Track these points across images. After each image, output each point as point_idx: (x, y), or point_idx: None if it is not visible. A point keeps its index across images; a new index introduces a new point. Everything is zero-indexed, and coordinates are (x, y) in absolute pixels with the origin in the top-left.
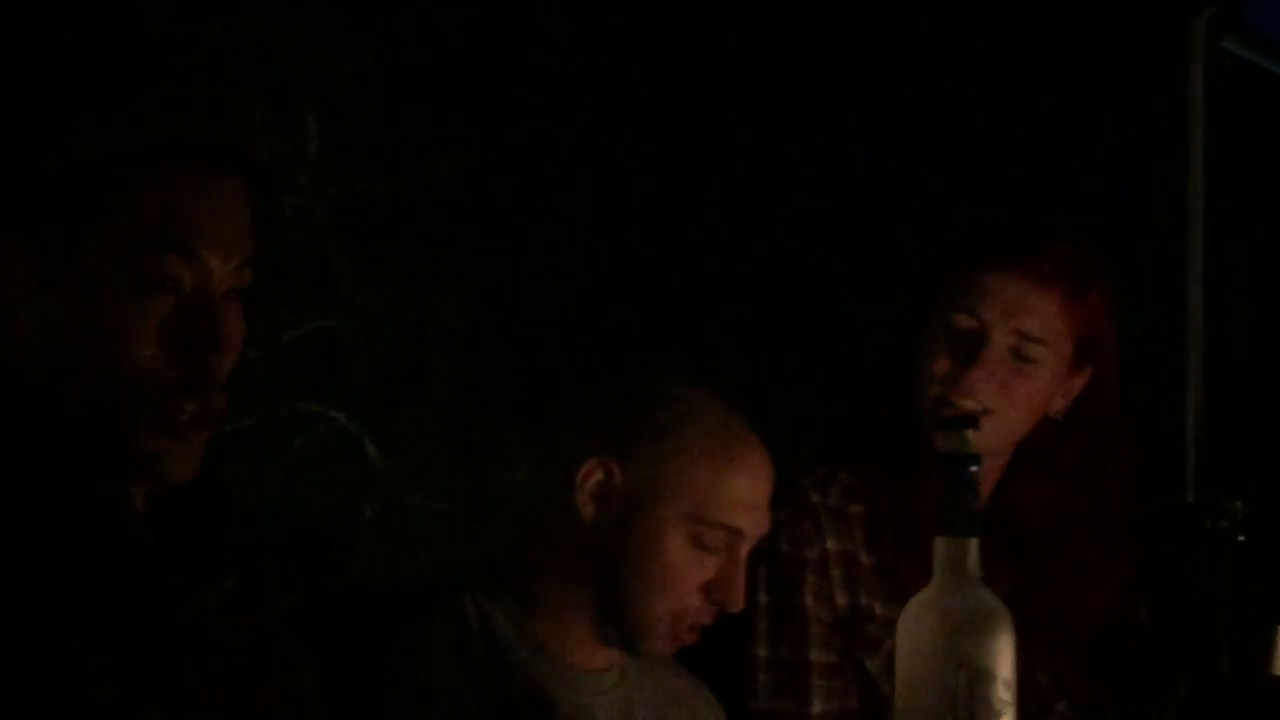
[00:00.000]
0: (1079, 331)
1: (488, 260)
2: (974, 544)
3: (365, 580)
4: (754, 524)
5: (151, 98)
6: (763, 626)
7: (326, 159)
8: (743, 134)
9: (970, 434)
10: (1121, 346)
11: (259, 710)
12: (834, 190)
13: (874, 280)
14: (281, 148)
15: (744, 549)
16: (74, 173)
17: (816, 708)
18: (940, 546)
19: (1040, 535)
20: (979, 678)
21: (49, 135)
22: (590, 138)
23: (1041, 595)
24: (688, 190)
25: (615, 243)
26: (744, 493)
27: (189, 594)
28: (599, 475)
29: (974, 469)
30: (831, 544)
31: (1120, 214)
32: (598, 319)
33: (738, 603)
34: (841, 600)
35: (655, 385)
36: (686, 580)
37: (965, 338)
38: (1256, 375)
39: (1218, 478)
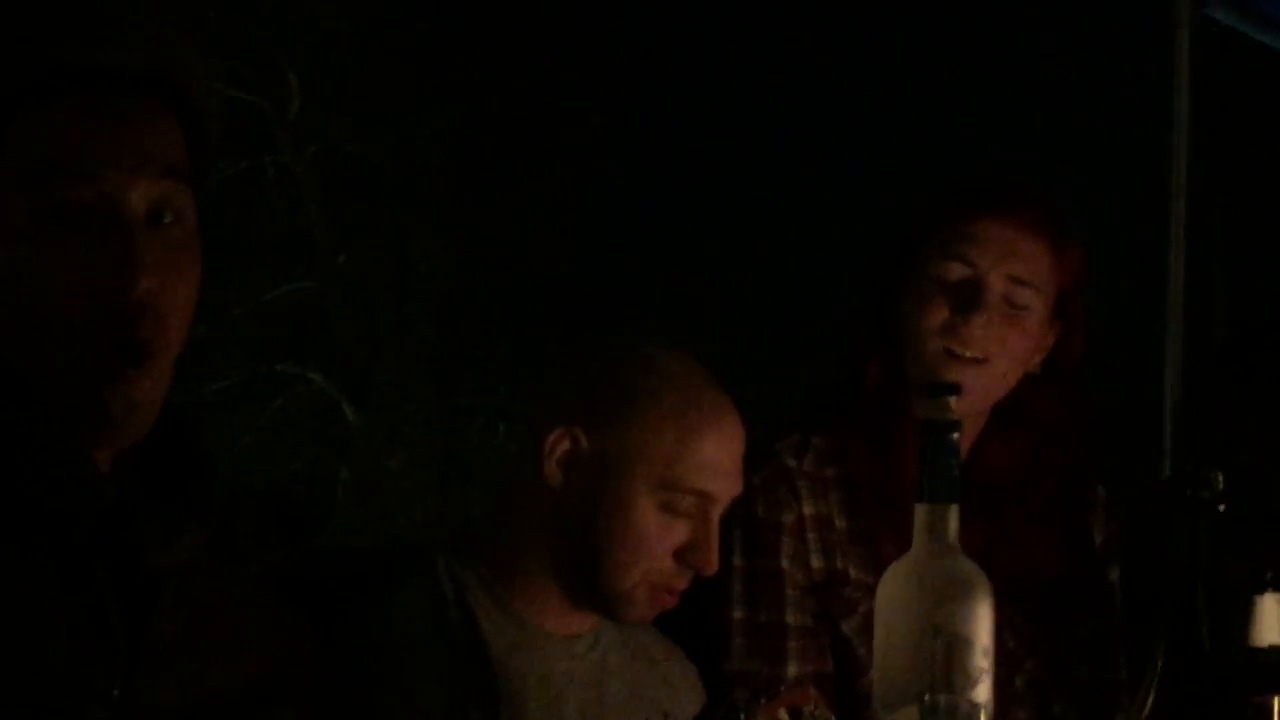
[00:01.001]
0: (1061, 282)
1: (469, 224)
2: (954, 510)
3: (341, 542)
4: (725, 487)
5: (42, 26)
6: (738, 590)
7: (308, 118)
8: (728, 104)
9: (954, 401)
10: (1103, 319)
11: (240, 669)
12: (815, 162)
13: (852, 248)
14: (194, 69)
15: (716, 512)
16: None
17: (792, 669)
18: (920, 513)
19: (1012, 492)
20: (957, 645)
21: None
22: (574, 103)
23: (1012, 553)
24: (671, 158)
25: (598, 208)
26: (714, 457)
27: (151, 547)
28: (566, 444)
29: (954, 435)
30: (807, 508)
31: (1104, 185)
32: (579, 283)
33: (711, 566)
34: (817, 564)
35: (622, 350)
36: (658, 546)
37: (960, 287)
38: (1237, 348)
39: (1197, 449)
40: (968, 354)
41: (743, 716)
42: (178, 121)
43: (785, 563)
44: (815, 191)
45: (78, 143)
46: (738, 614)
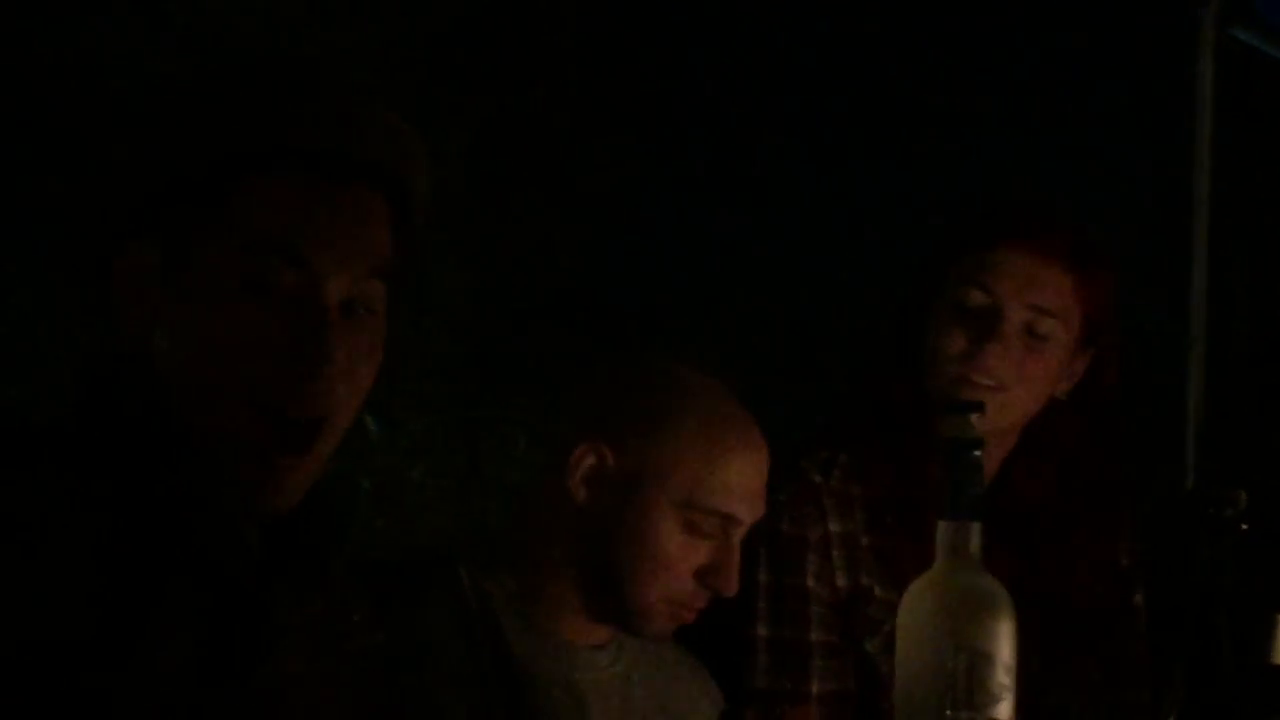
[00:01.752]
0: (1087, 310)
1: (490, 237)
2: (976, 528)
3: (362, 553)
4: (749, 510)
5: (272, 104)
6: (763, 607)
7: None
8: (749, 117)
9: (975, 418)
10: (1124, 334)
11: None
12: (838, 176)
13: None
14: (418, 168)
15: (738, 535)
16: (195, 175)
17: (816, 688)
18: (942, 530)
19: (1040, 518)
20: (978, 662)
21: (177, 136)
22: (596, 117)
23: (1039, 579)
24: (692, 172)
25: (618, 222)
26: (738, 479)
27: (281, 606)
28: (591, 460)
29: (977, 453)
30: (833, 525)
31: (1126, 201)
32: (599, 296)
33: (731, 588)
34: (842, 582)
35: (650, 369)
36: (680, 566)
37: (979, 314)
38: (1259, 365)
39: (1219, 466)
40: (984, 382)
41: None
42: (389, 212)
43: (811, 580)
44: (841, 208)
45: (295, 224)
46: (762, 631)
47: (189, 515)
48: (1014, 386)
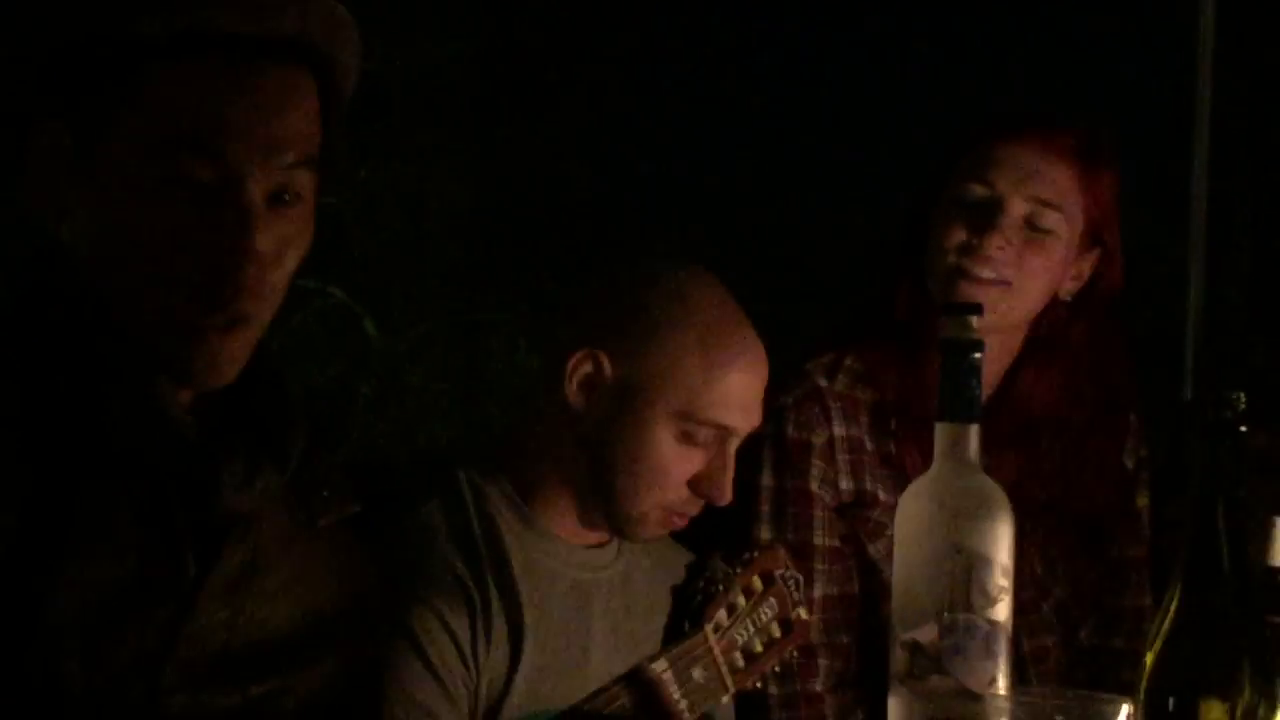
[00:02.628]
0: (1090, 207)
1: (491, 140)
2: (974, 430)
3: (362, 456)
4: (745, 421)
5: None
6: (766, 510)
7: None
8: (753, 20)
9: (975, 320)
10: (1124, 241)
11: (293, 608)
12: (841, 81)
13: (882, 170)
14: (349, 43)
15: (733, 445)
16: (109, 57)
17: (818, 591)
18: (940, 432)
19: (1045, 422)
20: (976, 563)
21: (96, 13)
22: (598, 20)
23: (1044, 483)
24: (696, 77)
25: (619, 125)
26: (736, 390)
27: (227, 489)
28: (588, 367)
29: (976, 355)
30: (838, 429)
31: (1127, 112)
32: (599, 199)
33: (725, 497)
34: (846, 485)
35: (650, 276)
36: (674, 474)
37: (980, 207)
38: (1258, 272)
39: (1217, 370)
40: (983, 274)
41: (720, 587)
42: (315, 90)
43: (814, 484)
44: (844, 115)
45: (210, 117)
46: (765, 534)
47: (114, 400)
48: (1016, 281)
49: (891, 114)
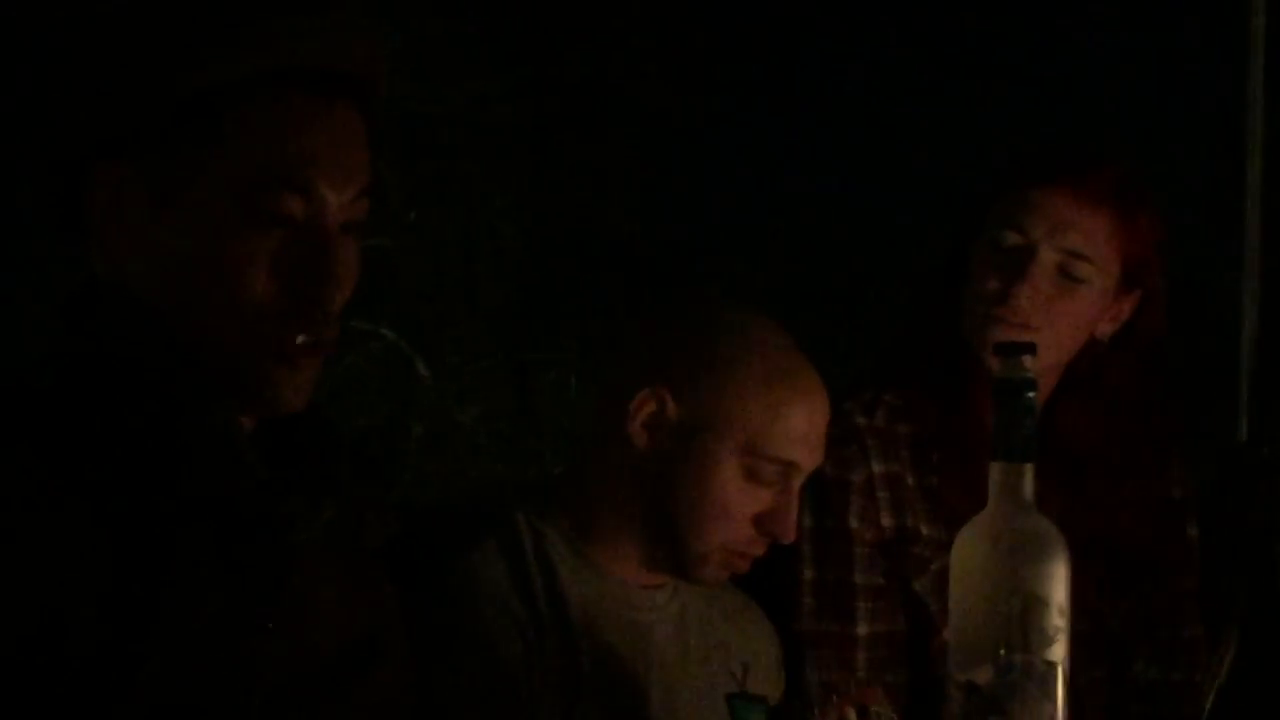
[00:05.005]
0: (1127, 253)
1: (541, 179)
2: (1029, 469)
3: (414, 496)
4: (810, 458)
5: (271, 24)
6: (808, 549)
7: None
8: (803, 60)
9: (1027, 359)
10: (1176, 275)
11: (348, 628)
12: (891, 118)
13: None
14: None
15: (798, 481)
16: (191, 99)
17: (863, 629)
18: (995, 472)
19: (1087, 459)
20: (1033, 604)
21: (168, 60)
22: (648, 58)
23: (1090, 518)
24: (747, 115)
25: (669, 165)
26: (800, 427)
27: (295, 520)
28: (652, 406)
29: (1030, 394)
30: (877, 466)
31: (1179, 143)
32: (649, 240)
33: (790, 534)
34: (887, 522)
35: (712, 314)
36: (739, 512)
37: (1013, 255)
38: None
39: (1272, 406)
40: (1014, 322)
41: (816, 711)
42: (366, 125)
43: (854, 522)
44: (894, 151)
45: (298, 152)
46: (807, 573)
47: (194, 443)
48: (1045, 329)
49: (938, 148)
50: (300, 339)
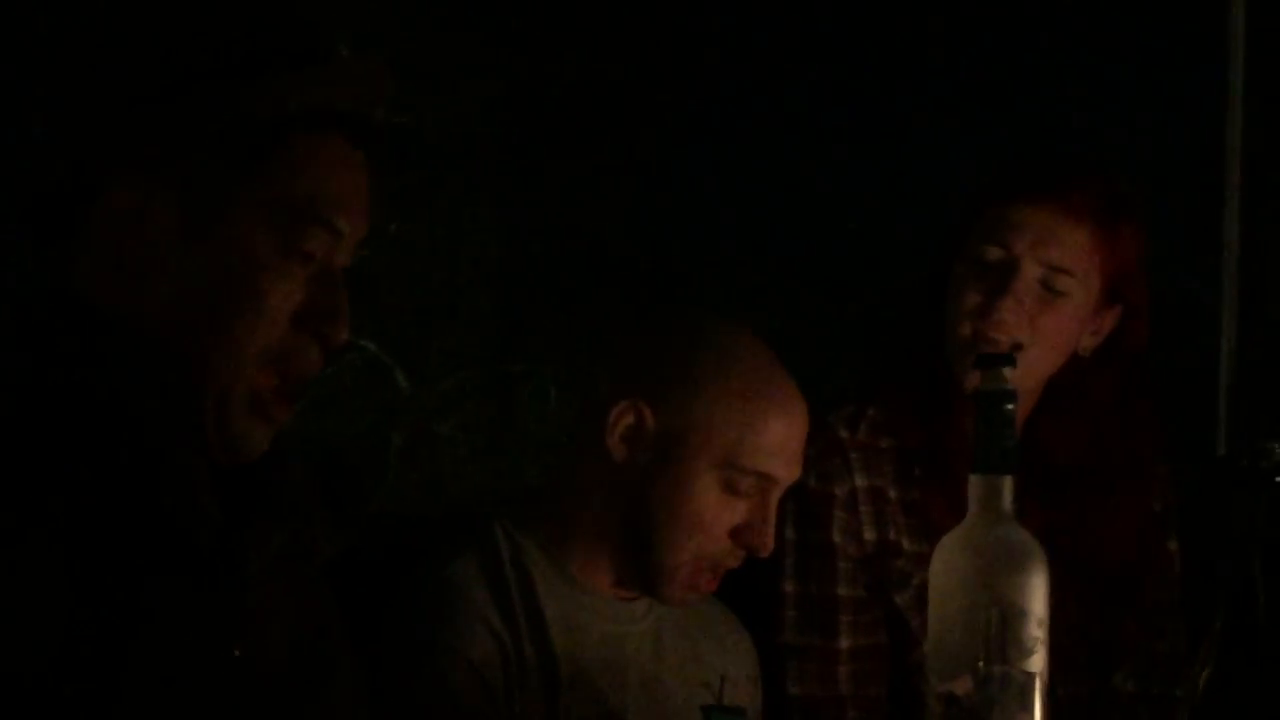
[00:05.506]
0: (1109, 267)
1: (522, 190)
2: (1009, 482)
3: (394, 507)
4: (787, 471)
5: (315, 67)
6: (790, 562)
7: None
8: (786, 72)
9: (1008, 371)
10: (1154, 287)
11: (301, 638)
12: (873, 128)
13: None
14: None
15: (775, 495)
16: (235, 134)
17: (845, 643)
18: (974, 484)
19: (1069, 472)
20: (1011, 615)
21: (217, 93)
22: (629, 68)
23: (1071, 532)
24: (729, 125)
25: (649, 174)
26: (779, 439)
27: (248, 553)
28: (630, 418)
29: (1010, 406)
30: (860, 480)
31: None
32: (630, 249)
33: (767, 547)
34: (869, 536)
35: (690, 326)
36: (716, 524)
37: (995, 269)
38: None
39: (1251, 419)
40: (998, 337)
41: None
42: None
43: (837, 536)
44: (872, 161)
45: (332, 196)
46: (789, 587)
47: (159, 482)
48: (1028, 344)
49: (920, 168)
50: (291, 387)
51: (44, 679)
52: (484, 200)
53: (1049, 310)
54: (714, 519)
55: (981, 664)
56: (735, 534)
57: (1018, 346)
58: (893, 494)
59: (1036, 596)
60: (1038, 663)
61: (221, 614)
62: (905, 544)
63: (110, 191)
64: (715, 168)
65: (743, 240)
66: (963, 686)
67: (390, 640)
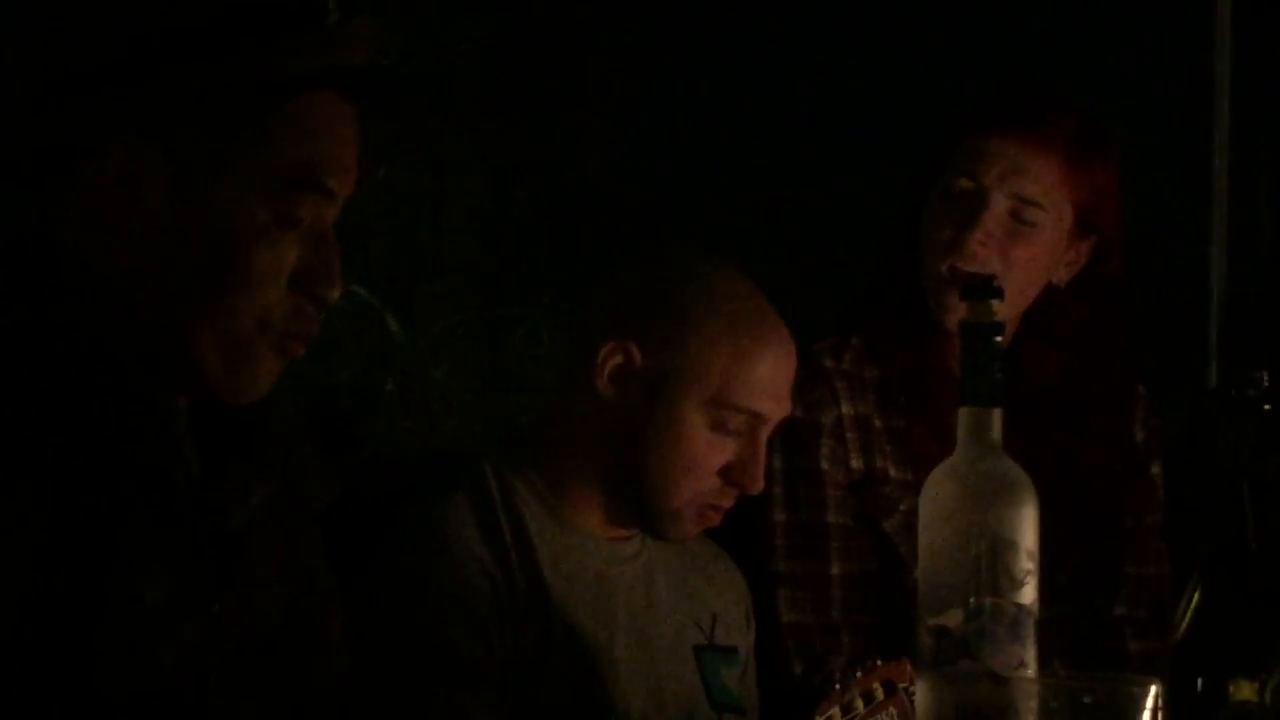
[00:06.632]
0: (1080, 198)
1: (510, 134)
2: (997, 414)
3: (387, 454)
4: (776, 408)
5: (307, 29)
6: (779, 491)
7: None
8: (771, 14)
9: (994, 303)
10: (1146, 222)
11: (288, 586)
12: (854, 66)
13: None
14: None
15: (764, 433)
16: (228, 99)
17: (835, 569)
18: (963, 417)
19: (1046, 402)
20: (1001, 547)
21: (209, 58)
22: (613, 10)
23: (1053, 459)
24: (713, 67)
25: (636, 115)
26: (767, 377)
27: (228, 506)
28: (619, 358)
29: (997, 339)
30: (845, 408)
31: (1146, 90)
32: (618, 190)
33: (757, 485)
34: (856, 463)
35: (678, 266)
36: (705, 464)
37: (965, 200)
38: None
39: (1241, 350)
40: (970, 269)
41: (837, 685)
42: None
43: (824, 463)
44: (859, 98)
45: (326, 160)
46: (779, 515)
47: (142, 432)
48: (1001, 275)
49: (904, 101)
50: (292, 342)
51: (19, 626)
52: (471, 144)
53: (1020, 241)
54: (704, 458)
55: (972, 597)
56: (724, 472)
57: (991, 278)
58: (878, 422)
59: (1027, 529)
60: (1029, 595)
61: (203, 564)
62: (892, 471)
63: (103, 154)
64: (707, 109)
65: (729, 177)
66: (953, 619)
67: (380, 580)
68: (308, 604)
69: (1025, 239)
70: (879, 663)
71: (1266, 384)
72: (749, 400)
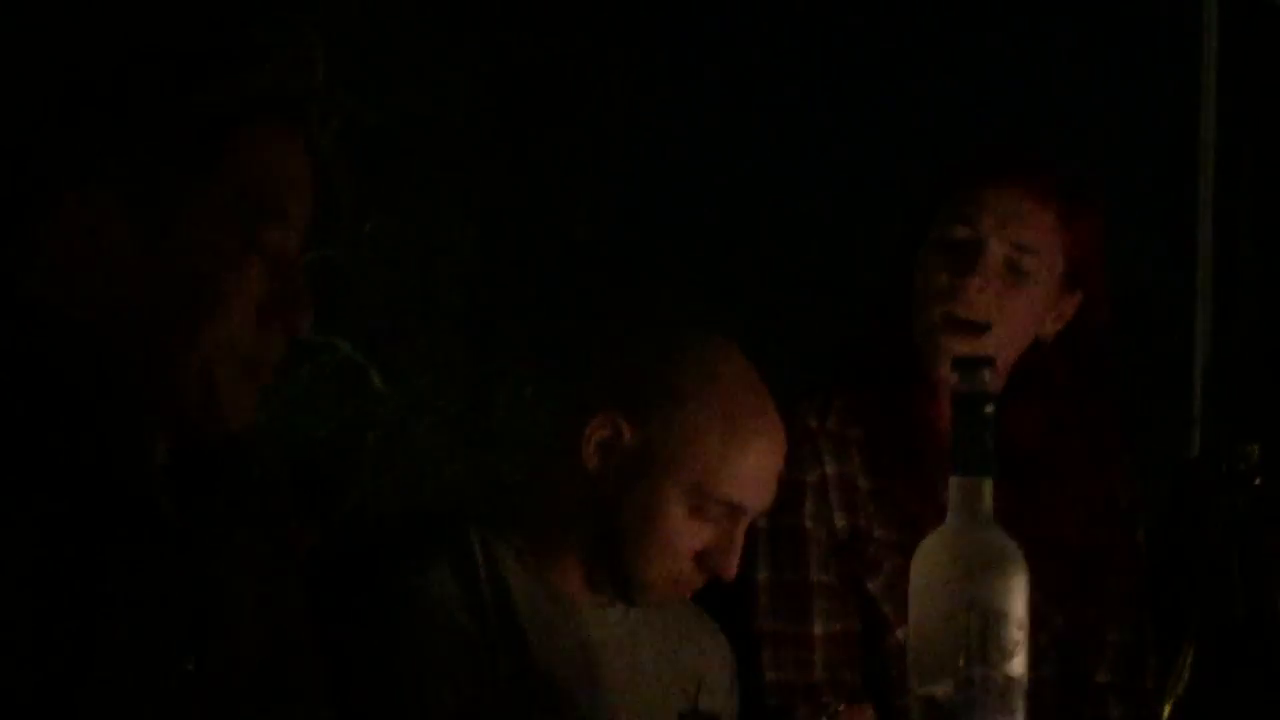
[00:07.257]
0: (1071, 250)
1: (494, 190)
2: (988, 484)
3: (369, 506)
4: (759, 501)
5: (249, 59)
6: (763, 550)
7: (332, 88)
8: (758, 70)
9: (987, 372)
10: (1130, 286)
11: (269, 638)
12: (844, 122)
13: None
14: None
15: (744, 523)
16: (178, 136)
17: (819, 629)
18: (954, 486)
19: (1030, 458)
20: (991, 619)
21: (156, 97)
22: (602, 65)
23: (1036, 517)
24: (699, 123)
25: (623, 172)
26: (753, 470)
27: (206, 554)
28: (607, 431)
29: (989, 409)
30: (829, 468)
31: (1131, 153)
32: (604, 248)
33: (730, 573)
34: (840, 523)
35: (676, 344)
36: (681, 547)
37: (961, 250)
38: (1265, 319)
39: (1225, 418)
40: (966, 316)
41: None
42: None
43: (808, 522)
44: (844, 157)
45: (284, 186)
46: (762, 574)
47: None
48: (996, 325)
49: (897, 152)
50: (260, 372)
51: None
52: (456, 200)
53: (1014, 292)
54: (679, 541)
55: (962, 668)
56: (699, 557)
57: (985, 326)
58: (862, 482)
59: (1016, 599)
60: (1018, 666)
61: (180, 615)
62: (876, 531)
63: (56, 204)
64: (688, 163)
65: (713, 234)
66: (943, 690)
67: (360, 644)
68: (284, 661)
69: (1019, 289)
70: (841, 708)
71: (1256, 458)
72: (731, 492)
